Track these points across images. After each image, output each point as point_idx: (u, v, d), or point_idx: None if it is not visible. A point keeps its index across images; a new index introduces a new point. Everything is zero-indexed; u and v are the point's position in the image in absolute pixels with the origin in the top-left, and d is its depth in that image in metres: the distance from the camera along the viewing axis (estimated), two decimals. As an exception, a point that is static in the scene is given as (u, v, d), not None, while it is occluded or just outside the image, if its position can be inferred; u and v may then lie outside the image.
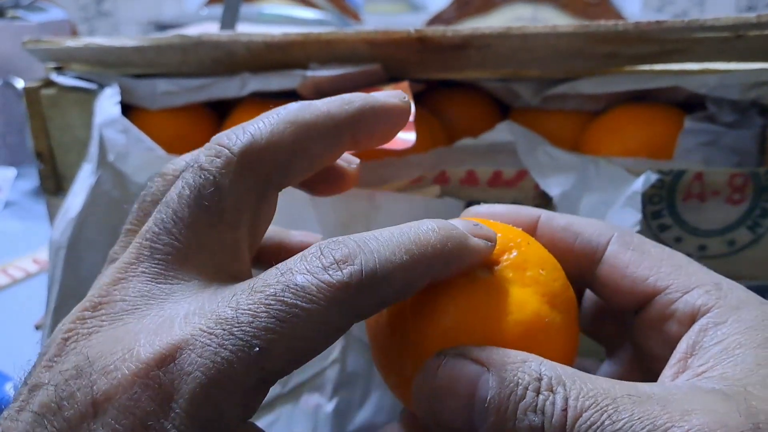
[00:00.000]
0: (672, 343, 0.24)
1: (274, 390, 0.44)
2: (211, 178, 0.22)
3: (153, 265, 0.22)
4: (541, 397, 0.20)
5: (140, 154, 0.44)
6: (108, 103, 0.46)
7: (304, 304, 0.19)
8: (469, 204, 0.46)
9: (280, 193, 0.25)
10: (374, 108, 0.25)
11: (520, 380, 0.20)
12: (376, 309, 0.21)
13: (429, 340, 0.24)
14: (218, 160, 0.23)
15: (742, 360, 0.21)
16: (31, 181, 0.96)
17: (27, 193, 0.93)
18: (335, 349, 0.44)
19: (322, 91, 0.48)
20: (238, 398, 0.19)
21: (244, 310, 0.19)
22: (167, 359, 0.19)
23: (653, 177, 0.41)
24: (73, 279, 0.43)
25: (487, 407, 0.20)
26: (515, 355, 0.21)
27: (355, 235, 0.22)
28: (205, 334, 0.19)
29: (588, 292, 0.30)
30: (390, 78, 0.49)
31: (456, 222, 0.24)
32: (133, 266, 0.22)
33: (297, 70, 0.48)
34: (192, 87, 0.49)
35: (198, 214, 0.22)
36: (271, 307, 0.19)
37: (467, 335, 0.23)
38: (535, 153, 0.45)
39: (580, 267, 0.27)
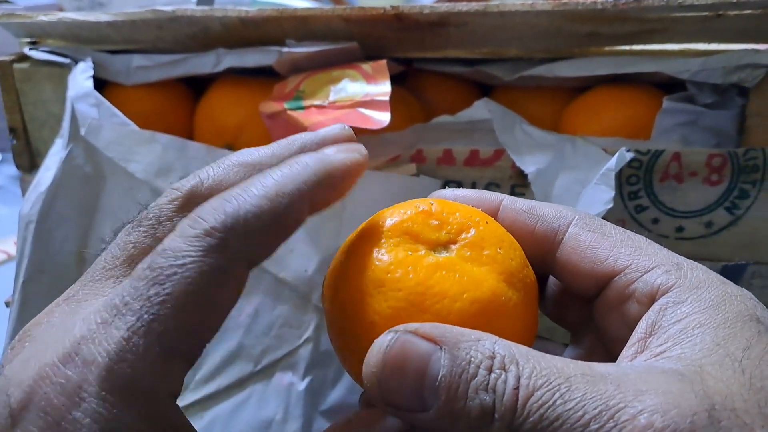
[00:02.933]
0: (631, 324, 0.24)
1: (246, 368, 0.43)
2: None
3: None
4: (493, 375, 0.20)
5: (113, 129, 0.44)
6: (81, 77, 0.46)
7: (175, 261, 0.20)
8: (446, 184, 0.45)
9: None
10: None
11: (472, 358, 0.20)
12: (256, 246, 0.21)
13: (384, 319, 0.23)
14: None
15: (701, 340, 0.21)
16: (13, 166, 0.95)
17: (10, 177, 0.93)
18: (309, 328, 0.43)
19: (299, 67, 0.48)
20: (147, 369, 0.19)
21: (128, 290, 0.20)
22: (70, 355, 0.19)
23: (628, 155, 0.41)
24: (42, 253, 0.43)
25: (437, 386, 0.20)
26: (469, 334, 0.21)
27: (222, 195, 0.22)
28: (100, 324, 0.20)
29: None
30: (367, 56, 0.48)
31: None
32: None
33: (273, 47, 0.47)
34: (166, 62, 0.48)
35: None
36: (149, 277, 0.20)
37: (423, 313, 0.23)
38: (512, 131, 0.44)
39: (542, 250, 0.27)
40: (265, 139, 0.49)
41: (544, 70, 0.47)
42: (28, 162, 0.52)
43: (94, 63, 0.48)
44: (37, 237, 0.43)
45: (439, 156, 0.45)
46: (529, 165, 0.42)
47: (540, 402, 0.19)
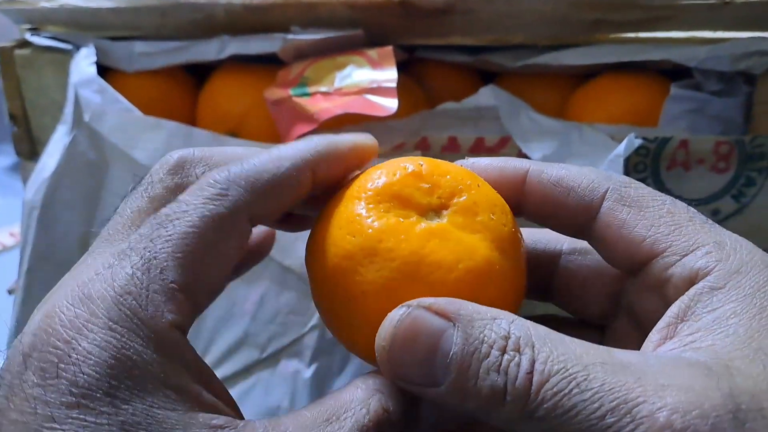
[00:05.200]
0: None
1: (252, 355, 0.43)
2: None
3: None
4: (506, 357, 0.19)
5: (117, 115, 0.43)
6: (84, 63, 0.45)
7: (179, 209, 0.22)
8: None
9: None
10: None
11: (486, 338, 0.19)
12: (257, 199, 0.23)
13: (376, 288, 0.23)
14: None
15: (734, 331, 0.20)
16: (8, 157, 0.94)
17: (4, 169, 0.92)
18: (315, 316, 0.43)
19: (303, 54, 0.47)
20: (151, 300, 0.20)
21: (134, 237, 0.22)
22: (78, 295, 0.20)
23: (636, 141, 0.41)
24: (46, 240, 0.42)
25: (449, 363, 0.19)
26: (485, 312, 0.20)
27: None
28: (107, 267, 0.21)
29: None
30: (371, 44, 0.48)
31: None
32: None
33: (278, 34, 0.47)
34: (170, 49, 0.48)
35: None
36: (153, 224, 0.22)
37: (416, 283, 0.22)
38: (518, 118, 0.44)
39: (576, 223, 0.25)
40: (269, 127, 0.49)
41: (549, 58, 0.47)
42: (29, 149, 0.51)
43: (96, 49, 0.48)
44: (41, 223, 0.42)
45: (444, 144, 0.45)
46: (536, 152, 0.42)
47: (555, 389, 0.18)
